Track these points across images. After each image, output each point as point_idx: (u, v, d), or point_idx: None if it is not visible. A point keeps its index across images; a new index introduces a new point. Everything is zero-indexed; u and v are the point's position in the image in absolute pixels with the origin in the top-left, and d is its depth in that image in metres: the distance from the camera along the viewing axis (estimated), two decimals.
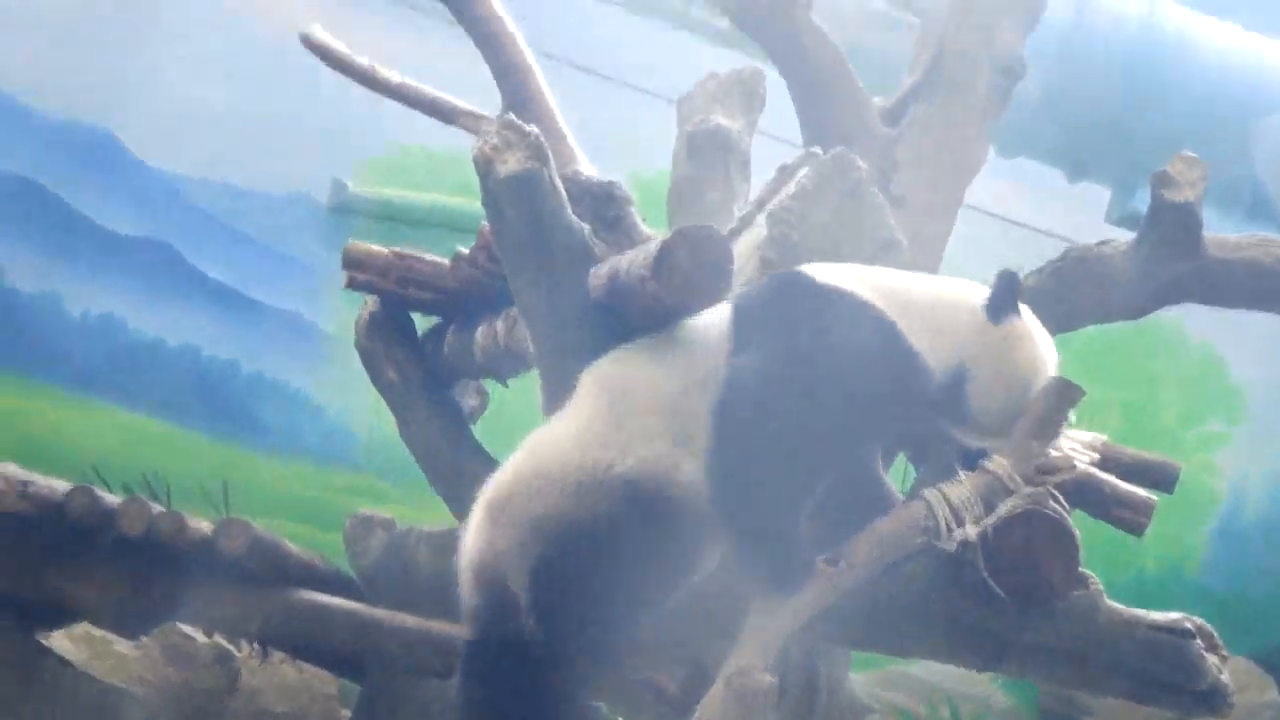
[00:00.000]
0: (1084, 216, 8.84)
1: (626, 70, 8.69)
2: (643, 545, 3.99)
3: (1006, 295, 4.19)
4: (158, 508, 4.82)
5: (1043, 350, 4.26)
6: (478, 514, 4.14)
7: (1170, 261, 5.30)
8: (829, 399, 4.03)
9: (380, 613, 4.82)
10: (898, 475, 5.28)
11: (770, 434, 4.00)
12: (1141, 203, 5.77)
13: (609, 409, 4.09)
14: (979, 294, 4.22)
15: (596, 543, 3.98)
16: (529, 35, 5.81)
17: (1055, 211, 9.28)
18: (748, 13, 5.76)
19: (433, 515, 5.53)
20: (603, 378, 4.20)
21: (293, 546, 4.99)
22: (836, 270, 4.19)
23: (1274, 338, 8.22)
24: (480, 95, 5.70)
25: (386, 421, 5.75)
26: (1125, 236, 5.46)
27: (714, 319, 4.19)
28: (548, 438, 4.15)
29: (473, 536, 4.12)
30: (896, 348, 4.09)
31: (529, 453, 4.15)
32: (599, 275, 4.52)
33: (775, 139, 5.99)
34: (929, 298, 4.20)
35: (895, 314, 4.11)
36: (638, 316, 4.51)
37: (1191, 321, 6.99)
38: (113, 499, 4.81)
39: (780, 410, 4.00)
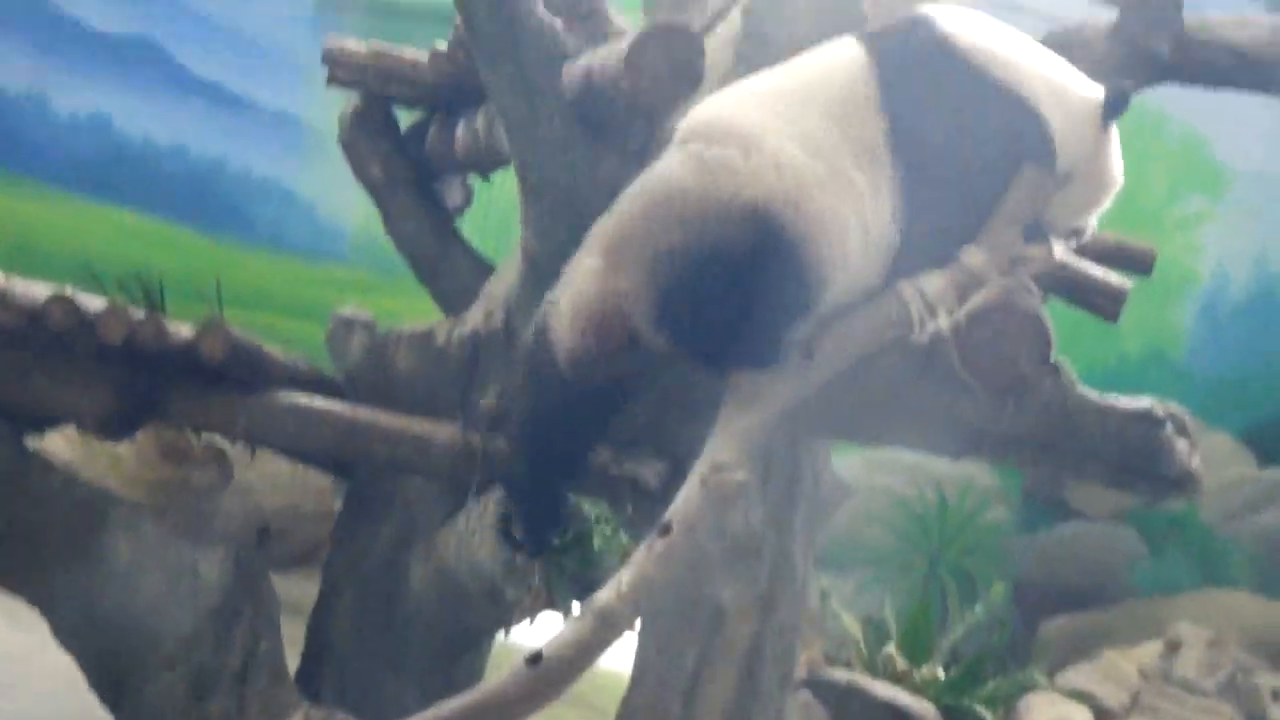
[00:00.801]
0: None
1: None
2: (769, 269, 4.00)
3: (1119, 105, 4.30)
4: (137, 314, 4.81)
5: (1120, 164, 4.39)
6: (588, 262, 4.12)
7: (1150, 42, 5.27)
8: (981, 176, 4.19)
9: (362, 412, 4.85)
10: None
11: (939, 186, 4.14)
12: None
13: (732, 140, 4.06)
14: (1095, 91, 4.32)
15: (724, 267, 3.99)
16: None
17: None
18: None
19: (421, 308, 5.57)
20: (716, 117, 4.13)
21: (273, 349, 5.00)
22: (975, 29, 4.25)
23: (1254, 117, 8.19)
24: None
25: (375, 216, 5.78)
26: (1108, 15, 5.42)
27: (849, 63, 4.15)
28: (657, 179, 4.10)
29: (585, 284, 4.11)
30: (1042, 132, 4.22)
31: (640, 195, 4.12)
32: (572, 74, 4.52)
33: None
34: (1063, 83, 4.30)
35: (1040, 98, 4.23)
36: (612, 115, 4.52)
37: (1172, 103, 6.96)
38: (93, 305, 4.79)
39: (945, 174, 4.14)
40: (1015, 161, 4.22)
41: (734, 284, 3.99)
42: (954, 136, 4.16)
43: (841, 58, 4.17)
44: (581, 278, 4.13)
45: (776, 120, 4.07)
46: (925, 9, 4.26)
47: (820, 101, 4.11)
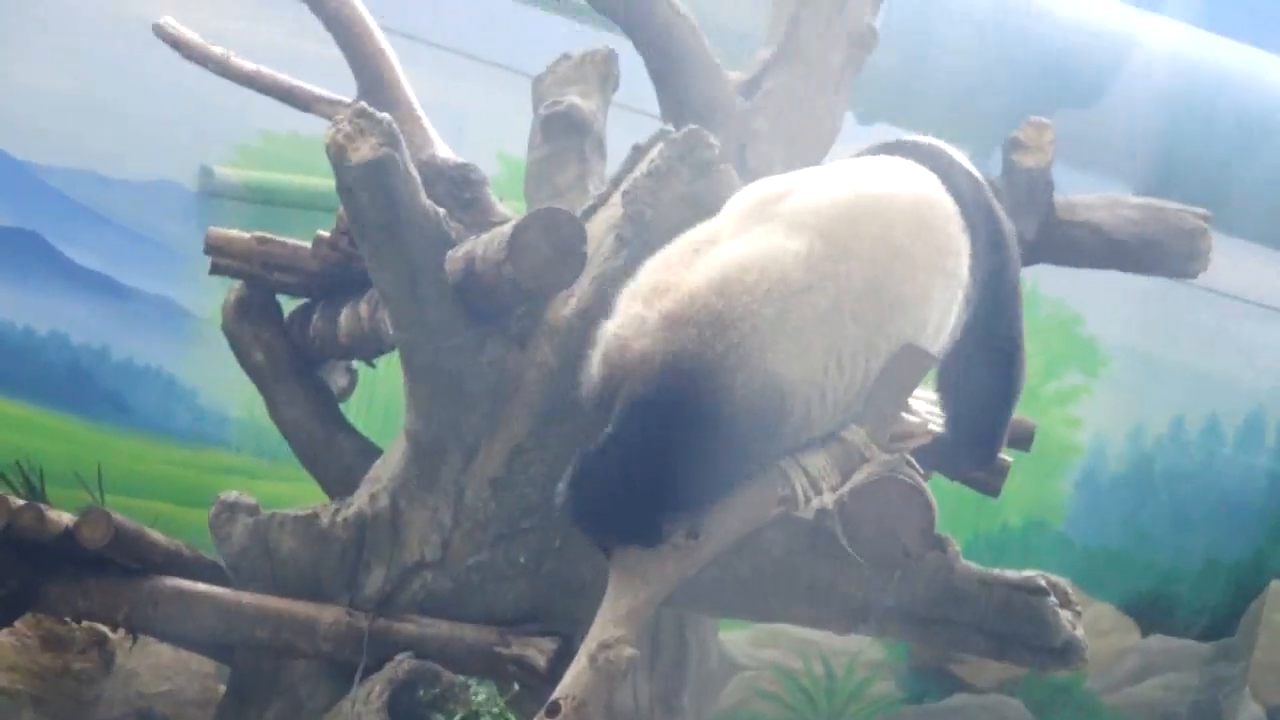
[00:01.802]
0: None
1: (494, 50, 8.69)
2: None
3: None
4: (17, 502, 4.78)
5: None
6: (656, 318, 3.98)
7: (1022, 224, 5.39)
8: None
9: (245, 596, 4.83)
10: None
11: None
12: (995, 168, 5.87)
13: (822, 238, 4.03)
14: None
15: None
16: (388, 15, 5.83)
17: None
18: None
19: (305, 493, 5.55)
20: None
21: (156, 534, 4.97)
22: None
23: (1124, 292, 8.37)
24: (344, 80, 5.72)
25: (258, 402, 5.78)
26: None
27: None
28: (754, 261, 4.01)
29: (655, 337, 3.97)
30: None
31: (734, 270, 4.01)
32: (455, 259, 4.57)
33: (636, 112, 6.03)
34: None
35: None
36: (495, 299, 4.58)
37: (1046, 280, 7.11)
38: None
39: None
40: None
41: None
42: None
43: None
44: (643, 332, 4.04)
45: None
46: None
47: None
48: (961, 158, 4.51)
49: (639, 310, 4.06)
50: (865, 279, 4.06)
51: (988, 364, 4.47)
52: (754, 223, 4.14)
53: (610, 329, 4.08)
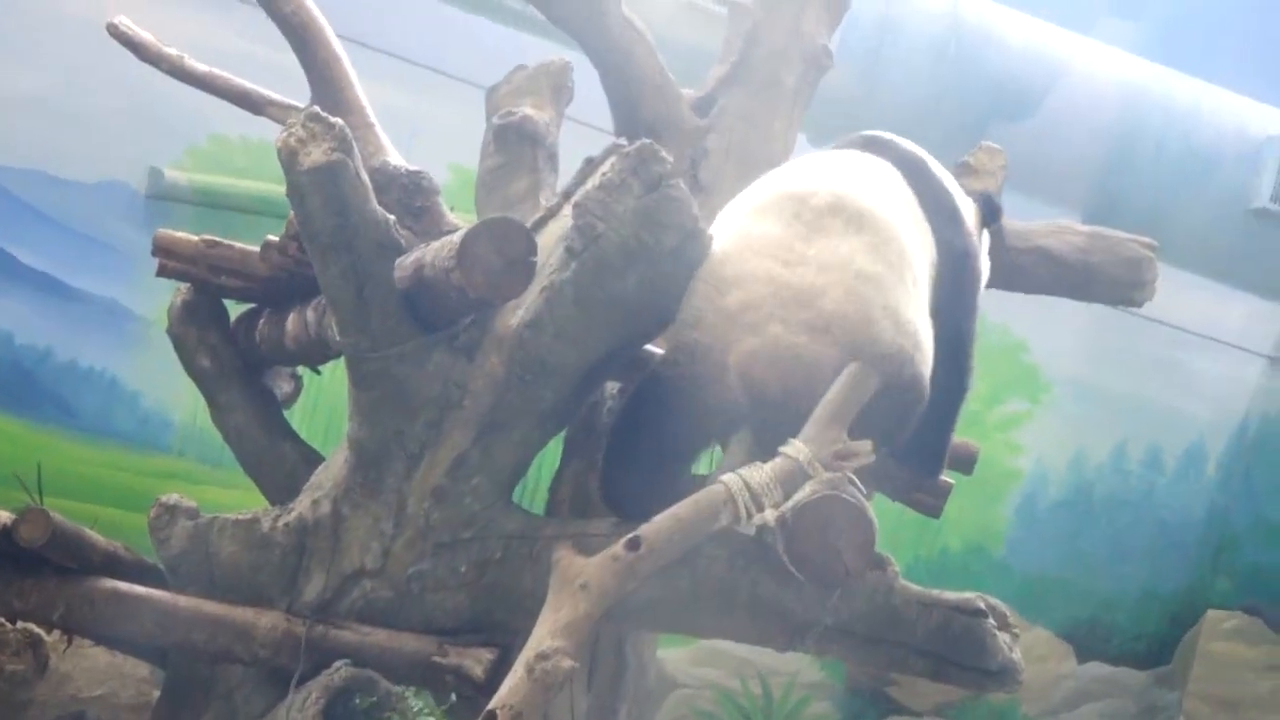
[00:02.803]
0: None
1: (450, 61, 8.69)
2: None
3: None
4: None
5: None
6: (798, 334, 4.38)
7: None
8: None
9: (183, 600, 4.79)
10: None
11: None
12: None
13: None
14: None
15: None
16: (343, 23, 5.83)
17: None
18: (558, 3, 5.78)
19: (247, 499, 5.53)
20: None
21: (95, 535, 4.94)
22: None
23: (1068, 320, 8.44)
24: (298, 85, 5.72)
25: (202, 407, 5.75)
26: None
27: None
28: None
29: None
30: None
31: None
32: (405, 266, 4.57)
33: (589, 127, 6.04)
34: None
35: None
36: (443, 307, 4.57)
37: (990, 305, 7.17)
38: None
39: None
40: None
41: None
42: None
43: None
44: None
45: None
46: None
47: None
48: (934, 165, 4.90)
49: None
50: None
51: (939, 370, 4.54)
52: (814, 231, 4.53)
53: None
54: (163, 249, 5.54)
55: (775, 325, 4.38)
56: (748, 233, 4.55)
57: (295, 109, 5.37)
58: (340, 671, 4.66)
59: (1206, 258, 10.04)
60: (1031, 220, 5.81)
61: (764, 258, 4.47)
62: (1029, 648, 4.80)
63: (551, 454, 5.17)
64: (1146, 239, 5.64)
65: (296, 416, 5.83)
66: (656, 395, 4.53)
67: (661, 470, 4.57)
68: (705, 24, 8.10)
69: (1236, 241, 10.21)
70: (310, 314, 5.22)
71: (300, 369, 5.86)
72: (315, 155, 4.35)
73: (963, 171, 5.49)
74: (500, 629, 4.66)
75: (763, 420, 4.39)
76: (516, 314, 4.62)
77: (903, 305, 4.48)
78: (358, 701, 4.65)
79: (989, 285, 5.39)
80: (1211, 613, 10.48)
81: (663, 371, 4.55)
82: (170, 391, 8.33)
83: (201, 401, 5.72)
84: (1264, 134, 10.31)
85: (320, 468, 5.08)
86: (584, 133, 5.91)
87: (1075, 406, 10.22)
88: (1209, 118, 10.25)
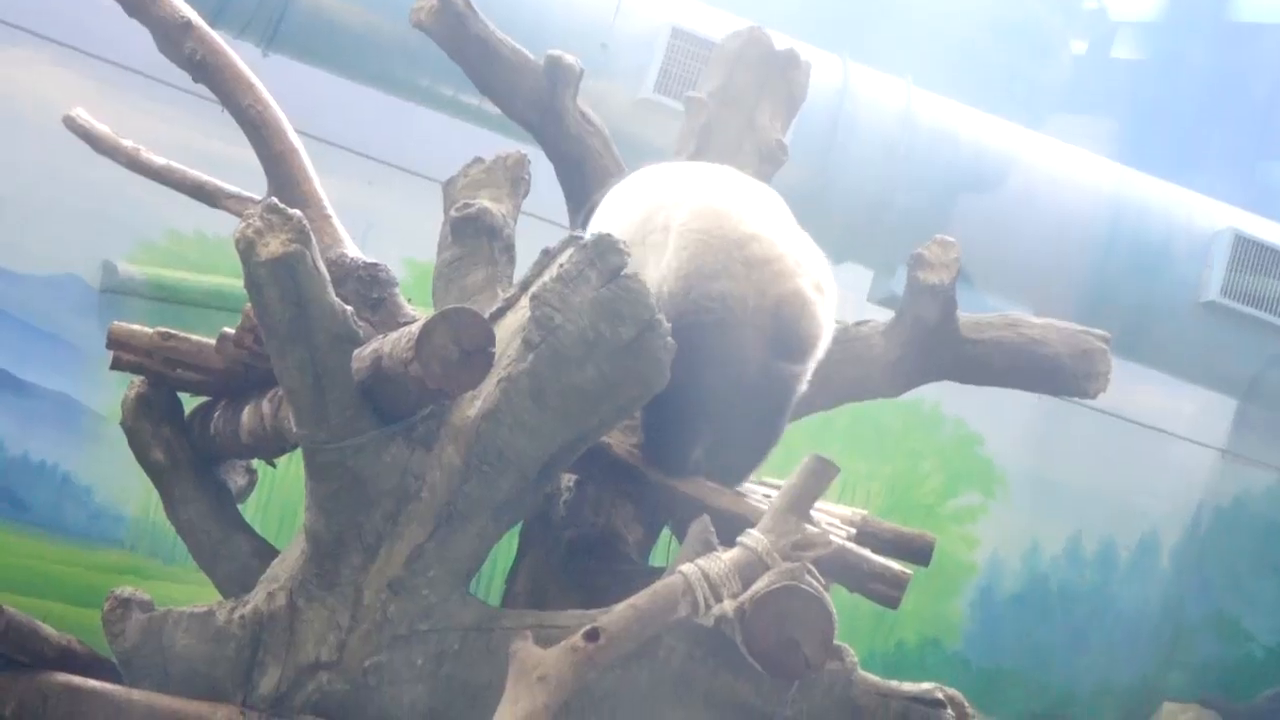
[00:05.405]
0: (848, 295, 9.07)
1: (404, 155, 8.73)
2: None
3: None
4: None
5: None
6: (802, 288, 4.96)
7: (925, 341, 5.44)
8: None
9: (137, 694, 4.74)
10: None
11: None
12: (900, 284, 5.92)
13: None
14: None
15: None
16: (300, 118, 5.84)
17: None
18: (513, 99, 5.82)
19: (201, 594, 5.49)
20: None
21: (48, 629, 4.89)
22: None
23: (1023, 413, 8.49)
24: (254, 178, 5.72)
25: (155, 500, 5.72)
26: (885, 316, 5.60)
27: None
28: None
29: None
30: None
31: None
32: (362, 357, 4.56)
33: (545, 221, 6.06)
34: None
35: None
36: (401, 398, 4.57)
37: (947, 398, 7.22)
38: None
39: None
40: None
41: None
42: None
43: None
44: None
45: None
46: None
47: None
48: None
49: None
50: None
51: None
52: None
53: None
54: (118, 342, 5.52)
55: (799, 279, 4.97)
56: (723, 197, 5.13)
57: (252, 201, 5.38)
58: None
59: (1158, 350, 10.11)
60: (983, 313, 5.83)
61: (760, 221, 5.04)
62: None
63: (506, 546, 5.16)
64: (1099, 330, 5.66)
65: (250, 510, 5.80)
66: (690, 345, 4.67)
67: (700, 424, 4.97)
68: (660, 119, 8.18)
69: (1188, 334, 10.29)
70: (266, 406, 5.21)
71: (255, 462, 5.83)
72: (273, 246, 4.35)
73: (916, 263, 5.51)
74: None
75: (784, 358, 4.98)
76: (474, 405, 4.61)
77: None
78: None
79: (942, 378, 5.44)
80: (1168, 705, 10.47)
81: (699, 320, 4.84)
82: (123, 486, 8.30)
83: (154, 496, 5.69)
84: (1212, 228, 10.41)
85: (276, 560, 5.05)
86: (540, 227, 5.93)
87: (1029, 499, 10.26)
88: (1159, 212, 10.36)
